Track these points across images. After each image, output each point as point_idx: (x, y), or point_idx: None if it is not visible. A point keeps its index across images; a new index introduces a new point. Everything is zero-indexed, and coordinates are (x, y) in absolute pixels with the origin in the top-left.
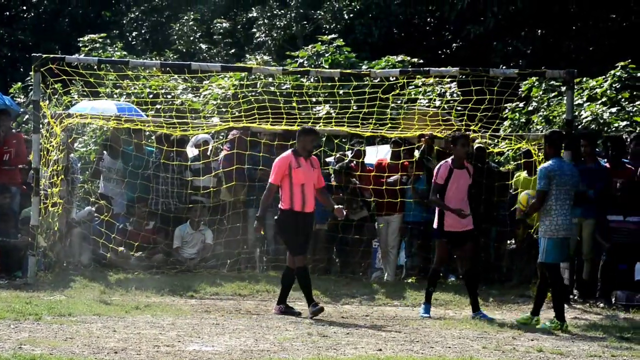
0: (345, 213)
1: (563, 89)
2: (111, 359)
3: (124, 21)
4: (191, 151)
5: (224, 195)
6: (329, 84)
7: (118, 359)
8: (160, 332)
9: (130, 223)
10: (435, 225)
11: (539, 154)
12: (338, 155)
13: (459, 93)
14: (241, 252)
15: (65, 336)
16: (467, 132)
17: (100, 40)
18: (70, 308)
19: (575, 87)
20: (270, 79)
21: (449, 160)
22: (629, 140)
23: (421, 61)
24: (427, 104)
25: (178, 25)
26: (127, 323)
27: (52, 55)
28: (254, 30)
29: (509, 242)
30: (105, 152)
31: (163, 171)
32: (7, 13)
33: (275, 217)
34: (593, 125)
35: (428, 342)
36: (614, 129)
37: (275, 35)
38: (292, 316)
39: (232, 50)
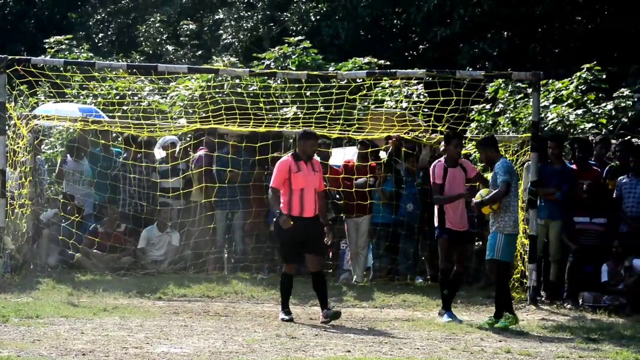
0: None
1: (529, 90)
2: None
3: (90, 23)
4: (159, 153)
5: (195, 197)
6: (296, 85)
7: None
8: (129, 334)
9: (101, 225)
10: (436, 224)
11: (506, 155)
12: None
13: (426, 95)
14: (209, 253)
15: (33, 338)
16: (462, 131)
17: (66, 41)
18: (37, 310)
19: (542, 89)
20: (237, 81)
21: (442, 159)
22: (594, 142)
23: (388, 63)
24: (394, 106)
25: (144, 27)
26: (95, 325)
27: (17, 57)
28: (221, 32)
29: (476, 243)
30: (68, 154)
31: (131, 172)
32: None
33: (275, 219)
34: (559, 127)
35: (396, 343)
36: (580, 130)
37: (241, 37)
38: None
39: (199, 52)
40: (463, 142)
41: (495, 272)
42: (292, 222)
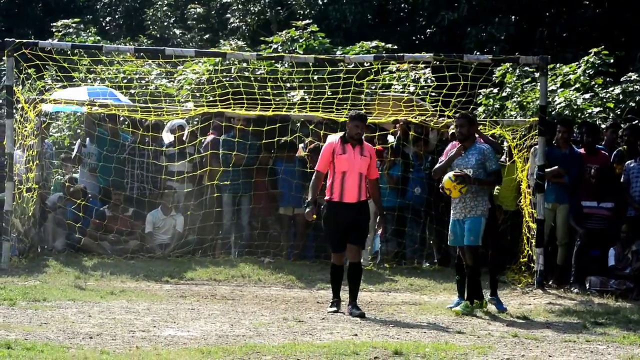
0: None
1: (537, 75)
2: (86, 344)
3: (97, 6)
4: (167, 137)
5: (207, 180)
6: (304, 69)
7: (93, 344)
8: (136, 317)
9: (108, 208)
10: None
11: (514, 139)
12: (308, 140)
13: (433, 79)
14: (216, 238)
15: (40, 321)
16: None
17: (73, 25)
18: (44, 293)
19: (549, 73)
20: (244, 64)
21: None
22: (605, 127)
23: (395, 47)
24: (401, 90)
25: (152, 10)
26: (102, 308)
27: (25, 40)
28: (228, 15)
29: None
30: (88, 139)
31: (138, 156)
32: None
33: (322, 207)
34: (567, 111)
35: (403, 327)
36: (587, 115)
37: (249, 20)
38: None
39: (207, 36)
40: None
41: (474, 257)
42: (314, 217)
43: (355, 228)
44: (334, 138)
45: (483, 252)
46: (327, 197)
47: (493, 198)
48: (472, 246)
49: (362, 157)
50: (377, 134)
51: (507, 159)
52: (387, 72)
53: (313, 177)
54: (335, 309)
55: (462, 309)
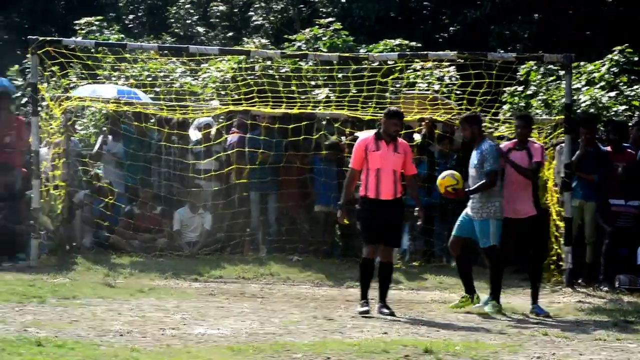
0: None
1: (561, 73)
2: (117, 341)
3: (120, 4)
4: (195, 134)
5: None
6: (327, 67)
7: (124, 341)
8: (165, 315)
9: (136, 206)
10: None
11: (539, 138)
12: (348, 131)
13: (458, 77)
14: (244, 236)
15: (70, 319)
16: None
17: (96, 23)
18: (74, 291)
19: (573, 71)
20: (268, 62)
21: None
22: (631, 125)
23: (419, 45)
24: (425, 88)
25: (175, 8)
26: (132, 306)
27: (49, 38)
28: (251, 13)
29: None
30: (110, 136)
31: (165, 154)
32: None
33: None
34: (592, 109)
35: (433, 325)
36: (612, 113)
37: (272, 18)
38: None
39: (230, 34)
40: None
41: (492, 258)
42: (346, 221)
43: (391, 227)
44: (366, 135)
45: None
46: (362, 193)
47: (539, 202)
48: (489, 247)
49: (396, 154)
50: (402, 132)
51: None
52: (412, 70)
53: (347, 174)
54: (366, 308)
55: (491, 309)
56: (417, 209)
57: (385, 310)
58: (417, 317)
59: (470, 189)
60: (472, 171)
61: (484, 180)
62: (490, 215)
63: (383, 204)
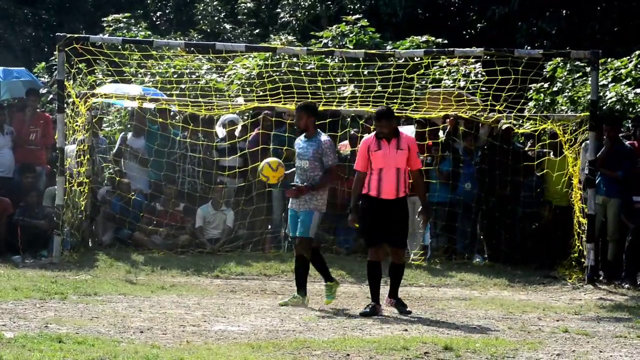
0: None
1: (588, 69)
2: (137, 338)
3: (148, 1)
4: (221, 131)
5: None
6: (354, 64)
7: (144, 338)
8: (186, 312)
9: (158, 202)
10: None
11: (565, 134)
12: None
13: (484, 73)
14: (266, 232)
15: (91, 315)
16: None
17: (124, 20)
18: (95, 287)
19: (600, 67)
20: (294, 59)
21: None
22: None
23: (445, 41)
24: (451, 85)
25: (202, 5)
26: (153, 303)
27: (76, 35)
28: (278, 10)
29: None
30: (129, 133)
31: (189, 151)
32: None
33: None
34: (618, 106)
35: (454, 322)
36: (639, 109)
37: (299, 15)
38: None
39: (257, 31)
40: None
41: (304, 248)
42: (357, 225)
43: (394, 227)
44: (370, 135)
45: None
46: (364, 191)
47: None
48: (304, 237)
49: (398, 151)
50: (427, 129)
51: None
52: (438, 67)
53: (354, 178)
54: (369, 311)
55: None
56: (420, 208)
57: (400, 307)
58: (438, 314)
59: (316, 184)
60: (303, 163)
61: (329, 175)
62: (317, 207)
63: (385, 203)
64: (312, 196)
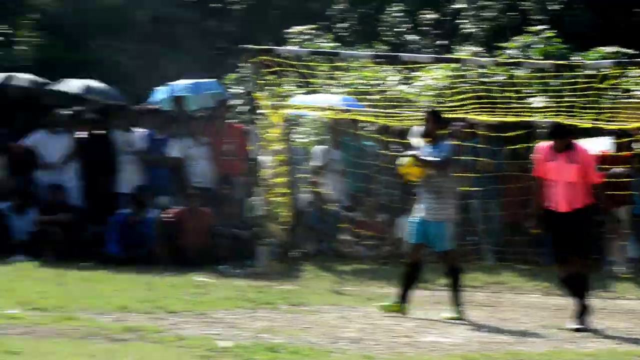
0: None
1: None
2: (349, 348)
3: (331, 13)
4: (417, 142)
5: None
6: (539, 74)
7: (356, 348)
8: (396, 323)
9: (358, 213)
10: None
11: None
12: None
13: None
14: (467, 244)
15: (302, 325)
16: None
17: (308, 32)
18: (303, 297)
19: None
20: (482, 70)
21: None
22: None
23: (636, 52)
24: None
25: (387, 16)
26: (362, 313)
27: (263, 47)
28: (462, 20)
29: None
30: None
31: (384, 162)
32: (217, 5)
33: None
34: None
35: None
36: None
37: (483, 26)
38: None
39: (439, 42)
40: None
41: (454, 259)
42: (536, 231)
43: (572, 238)
44: (546, 143)
45: None
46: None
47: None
48: (448, 251)
49: (570, 164)
50: (624, 140)
51: None
52: (629, 77)
53: (533, 184)
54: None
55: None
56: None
57: (581, 326)
58: None
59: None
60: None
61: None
62: (449, 218)
63: (560, 216)
64: (440, 207)
